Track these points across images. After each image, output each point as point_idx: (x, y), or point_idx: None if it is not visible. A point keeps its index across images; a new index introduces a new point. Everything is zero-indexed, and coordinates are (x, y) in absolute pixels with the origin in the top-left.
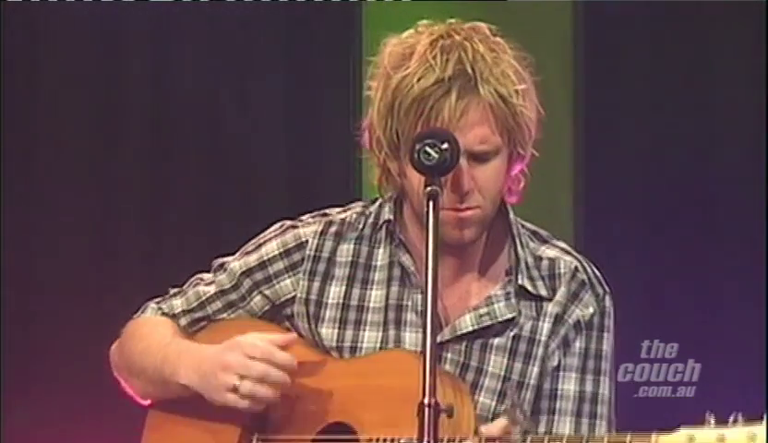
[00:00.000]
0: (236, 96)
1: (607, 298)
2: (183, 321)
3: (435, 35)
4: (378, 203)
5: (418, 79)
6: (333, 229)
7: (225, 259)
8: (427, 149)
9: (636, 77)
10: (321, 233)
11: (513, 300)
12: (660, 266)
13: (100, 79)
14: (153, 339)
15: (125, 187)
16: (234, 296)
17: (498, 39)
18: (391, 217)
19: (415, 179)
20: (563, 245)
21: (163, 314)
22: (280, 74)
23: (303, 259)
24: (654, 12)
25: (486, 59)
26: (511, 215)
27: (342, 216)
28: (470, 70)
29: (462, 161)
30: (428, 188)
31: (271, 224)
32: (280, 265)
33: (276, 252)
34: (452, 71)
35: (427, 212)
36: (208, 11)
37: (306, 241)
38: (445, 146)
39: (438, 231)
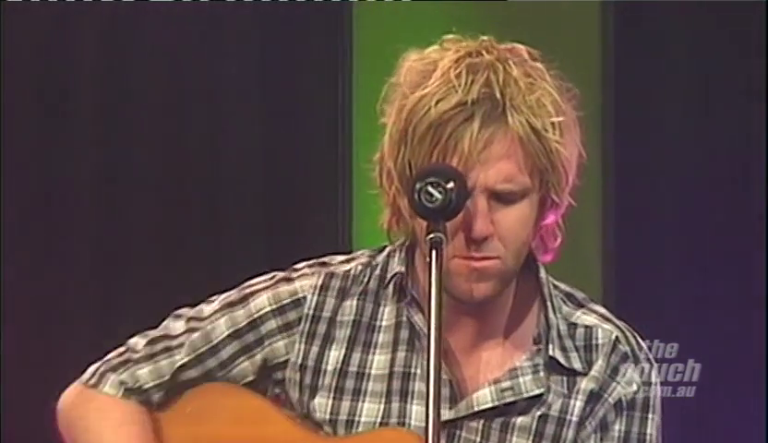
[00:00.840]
0: (212, 101)
1: (654, 373)
2: (155, 398)
3: (462, 52)
4: (386, 252)
5: (437, 102)
6: (336, 283)
7: (195, 311)
8: (430, 189)
9: (676, 88)
10: (322, 287)
11: (542, 373)
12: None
13: (49, 81)
14: None
15: (75, 193)
16: (212, 363)
17: (537, 64)
18: (402, 269)
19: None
20: (602, 310)
21: (128, 390)
22: (263, 77)
23: (300, 319)
24: (697, 12)
25: (519, 84)
26: (542, 273)
27: (346, 268)
28: (498, 95)
29: (482, 202)
30: (431, 235)
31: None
32: (272, 324)
33: (268, 308)
34: (477, 94)
35: (430, 263)
36: (181, 8)
37: (304, 297)
38: (450, 185)
39: (442, 283)
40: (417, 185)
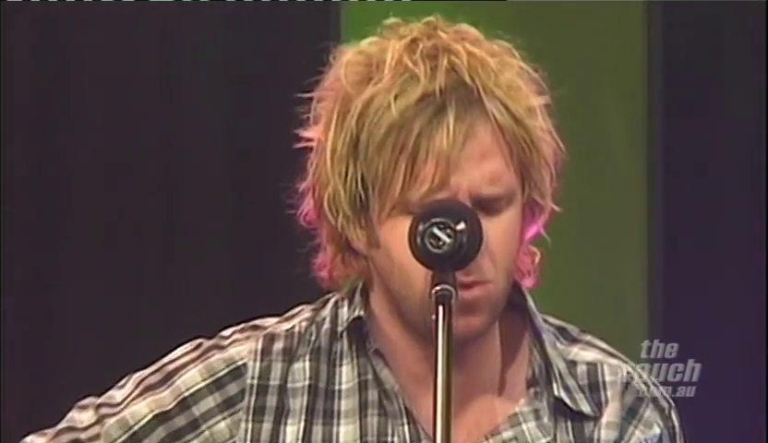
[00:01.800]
0: (173, 114)
1: (674, 414)
2: None
3: (409, 37)
4: (332, 302)
5: (396, 97)
6: (279, 345)
7: (105, 398)
8: (436, 231)
9: (734, 101)
10: (264, 352)
11: (546, 419)
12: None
13: None
14: None
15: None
16: None
17: (498, 41)
18: (362, 313)
19: (397, 244)
20: (602, 344)
21: None
22: (237, 86)
23: (242, 392)
24: (752, 12)
25: (487, 65)
26: (530, 303)
27: (286, 327)
28: (468, 79)
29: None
30: (438, 288)
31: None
32: (209, 402)
33: (201, 384)
34: (445, 82)
35: (436, 322)
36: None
37: (245, 365)
38: (461, 226)
39: (414, 323)
40: (420, 227)
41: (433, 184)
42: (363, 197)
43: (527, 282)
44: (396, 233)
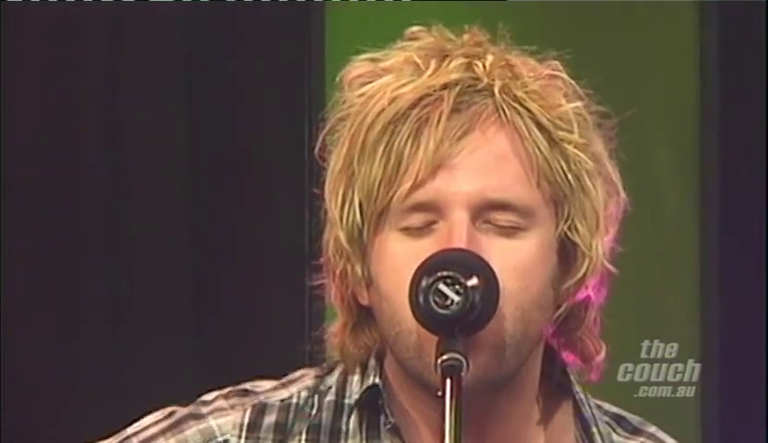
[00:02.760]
0: (142, 128)
1: None
2: None
3: (431, 38)
4: (339, 370)
5: (393, 96)
6: (271, 419)
7: None
8: (442, 287)
9: None
10: (251, 427)
11: None
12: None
13: None
14: None
15: None
16: None
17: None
18: (377, 380)
19: (383, 267)
20: (669, 438)
21: None
22: (208, 94)
23: None
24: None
25: (514, 68)
26: (578, 389)
27: (283, 396)
28: (484, 77)
29: (460, 216)
30: (444, 357)
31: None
32: None
33: None
34: (453, 77)
35: (443, 398)
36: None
37: (226, 442)
38: (473, 282)
39: (415, 374)
40: (423, 282)
41: (416, 180)
42: (360, 224)
43: (592, 377)
44: (382, 254)
